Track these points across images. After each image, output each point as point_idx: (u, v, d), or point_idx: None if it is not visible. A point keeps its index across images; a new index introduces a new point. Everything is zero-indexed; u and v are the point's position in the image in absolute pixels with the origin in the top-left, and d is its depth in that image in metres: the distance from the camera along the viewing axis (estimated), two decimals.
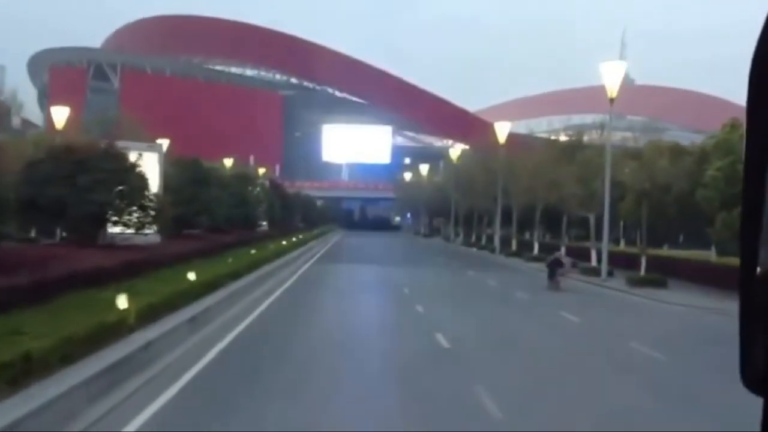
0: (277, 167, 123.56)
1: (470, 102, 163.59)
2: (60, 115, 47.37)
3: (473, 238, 77.40)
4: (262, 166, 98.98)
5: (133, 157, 23.92)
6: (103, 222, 23.54)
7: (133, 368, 12.61)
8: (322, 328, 20.94)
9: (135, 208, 23.59)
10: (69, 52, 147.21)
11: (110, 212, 23.27)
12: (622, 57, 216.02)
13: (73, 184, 21.63)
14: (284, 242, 47.68)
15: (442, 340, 18.34)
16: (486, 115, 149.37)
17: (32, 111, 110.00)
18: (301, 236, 60.36)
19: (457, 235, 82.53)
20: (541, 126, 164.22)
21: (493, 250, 65.26)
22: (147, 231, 24.63)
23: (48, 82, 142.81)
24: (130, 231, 24.21)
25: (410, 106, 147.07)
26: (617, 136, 63.21)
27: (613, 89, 40.61)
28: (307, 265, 43.90)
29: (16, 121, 77.44)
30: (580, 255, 48.57)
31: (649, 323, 25.73)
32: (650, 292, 33.59)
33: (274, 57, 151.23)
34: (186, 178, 30.40)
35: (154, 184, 26.41)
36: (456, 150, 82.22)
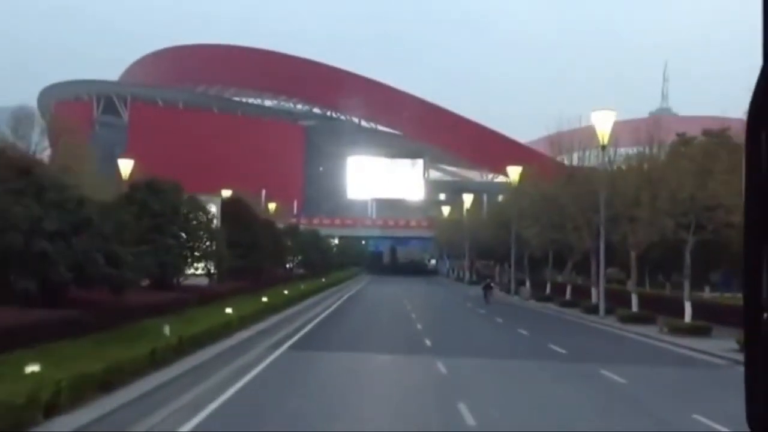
0: (295, 203, 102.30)
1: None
2: None
3: (547, 290, 50.78)
4: (276, 201, 78.56)
5: None
6: None
7: None
8: None
9: None
10: (78, 85, 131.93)
11: None
12: (664, 92, 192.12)
13: None
14: (229, 310, 22.45)
15: None
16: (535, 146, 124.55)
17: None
18: (286, 292, 34.58)
19: (521, 284, 55.80)
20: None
21: (591, 311, 38.83)
22: None
23: (53, 117, 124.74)
24: None
25: (446, 136, 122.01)
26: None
27: None
28: (254, 372, 18.37)
29: None
30: None
31: None
32: None
33: (295, 85, 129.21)
34: None
35: None
36: (515, 170, 56.74)
